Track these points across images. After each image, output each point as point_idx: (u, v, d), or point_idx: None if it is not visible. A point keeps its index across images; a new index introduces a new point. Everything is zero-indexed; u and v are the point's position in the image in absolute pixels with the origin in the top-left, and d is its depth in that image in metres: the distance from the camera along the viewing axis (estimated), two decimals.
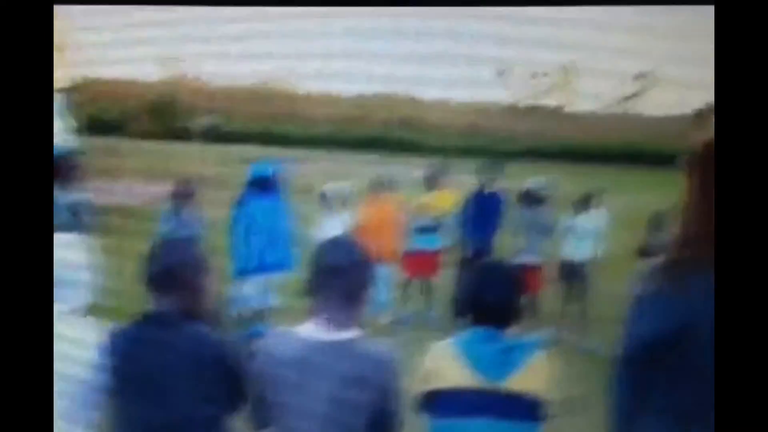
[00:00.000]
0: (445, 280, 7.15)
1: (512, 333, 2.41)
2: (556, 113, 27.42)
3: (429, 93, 26.69)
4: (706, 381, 1.69)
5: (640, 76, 28.11)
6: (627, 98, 28.64)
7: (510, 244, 6.91)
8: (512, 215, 6.96)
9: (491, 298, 2.39)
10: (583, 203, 6.99)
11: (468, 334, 2.39)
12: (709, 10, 1.64)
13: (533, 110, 27.58)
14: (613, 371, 1.91)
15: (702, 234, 1.73)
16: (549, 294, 7.03)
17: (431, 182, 7.43)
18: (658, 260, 1.82)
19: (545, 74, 29.00)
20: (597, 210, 7.04)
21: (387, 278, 7.05)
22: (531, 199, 6.89)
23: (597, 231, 6.95)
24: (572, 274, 6.92)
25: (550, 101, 29.07)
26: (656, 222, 6.11)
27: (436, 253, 7.29)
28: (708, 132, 1.81)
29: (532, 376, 2.32)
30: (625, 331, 1.86)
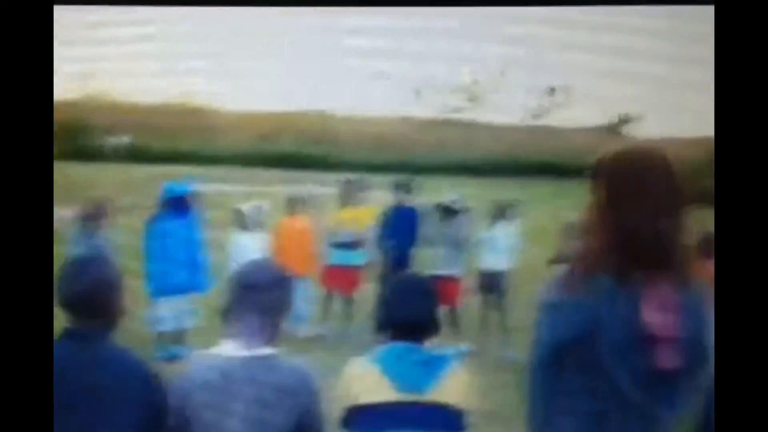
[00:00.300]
0: (366, 295, 7.16)
1: (431, 345, 2.42)
2: (471, 126, 27.82)
3: (343, 108, 26.83)
4: (614, 383, 1.75)
5: (553, 90, 28.85)
6: (541, 111, 29.31)
7: (428, 258, 6.97)
8: (429, 229, 7.02)
9: (408, 311, 2.40)
10: (499, 215, 7.12)
11: (387, 348, 2.39)
12: (708, 10, 1.70)
13: (448, 124, 27.91)
14: (526, 377, 1.94)
15: (605, 243, 1.79)
16: (469, 305, 7.11)
17: (347, 198, 7.42)
18: (564, 269, 1.87)
19: (460, 88, 29.44)
20: (512, 221, 7.18)
21: (307, 294, 7.02)
22: (447, 212, 6.97)
23: (513, 242, 7.09)
24: (490, 284, 7.02)
25: (465, 115, 29.50)
26: (569, 232, 6.26)
27: (355, 268, 7.27)
28: (614, 145, 1.87)
29: (451, 387, 2.33)
30: (534, 338, 1.90)
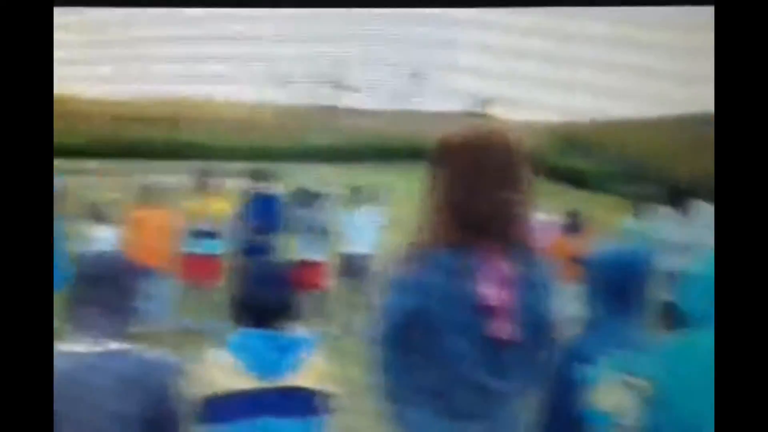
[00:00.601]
0: (228, 285, 7.05)
1: (289, 331, 2.42)
2: (334, 111, 27.85)
3: (201, 93, 26.16)
4: (454, 358, 1.80)
5: (416, 75, 29.28)
6: (404, 96, 29.68)
7: (290, 244, 6.95)
8: (290, 215, 7.00)
9: (261, 297, 2.39)
10: (361, 199, 7.19)
11: (242, 335, 2.37)
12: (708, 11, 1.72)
13: (310, 109, 27.82)
14: (374, 355, 1.98)
15: (442, 218, 1.84)
16: (333, 289, 7.14)
17: (204, 187, 7.28)
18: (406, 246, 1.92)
19: (323, 74, 29.39)
20: (375, 205, 7.26)
21: (165, 286, 6.86)
22: (307, 197, 6.97)
23: (376, 226, 7.16)
24: (354, 268, 7.08)
25: (328, 100, 29.50)
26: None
27: (215, 257, 7.14)
28: (462, 129, 1.92)
29: (309, 370, 2.34)
30: (379, 315, 1.94)
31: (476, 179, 1.82)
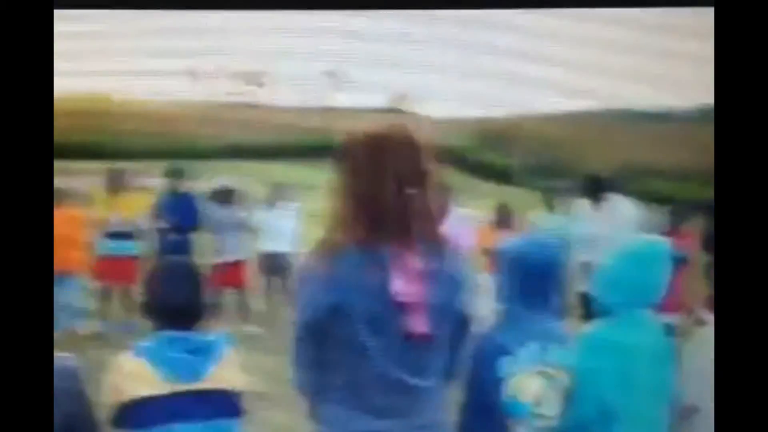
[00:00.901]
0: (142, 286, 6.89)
1: (205, 332, 2.36)
2: (251, 109, 27.56)
3: (118, 89, 25.49)
4: (370, 355, 1.79)
5: (333, 73, 29.22)
6: (322, 93, 29.59)
7: (208, 244, 6.84)
8: (207, 214, 6.87)
9: (176, 299, 2.32)
10: (280, 197, 7.12)
11: (153, 338, 2.30)
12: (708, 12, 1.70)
13: (227, 107, 27.46)
14: (290, 354, 1.95)
15: (351, 216, 1.83)
16: (254, 287, 7.07)
17: (119, 186, 7.05)
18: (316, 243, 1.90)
19: (239, 72, 29.07)
20: (294, 203, 7.20)
21: (81, 289, 6.68)
22: (224, 196, 6.86)
23: (295, 223, 7.10)
24: (274, 266, 7.01)
25: (246, 98, 29.19)
26: None
27: (131, 258, 6.92)
28: (367, 125, 1.90)
29: (225, 372, 2.29)
30: (294, 312, 1.92)
31: (379, 175, 1.81)
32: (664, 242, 2.60)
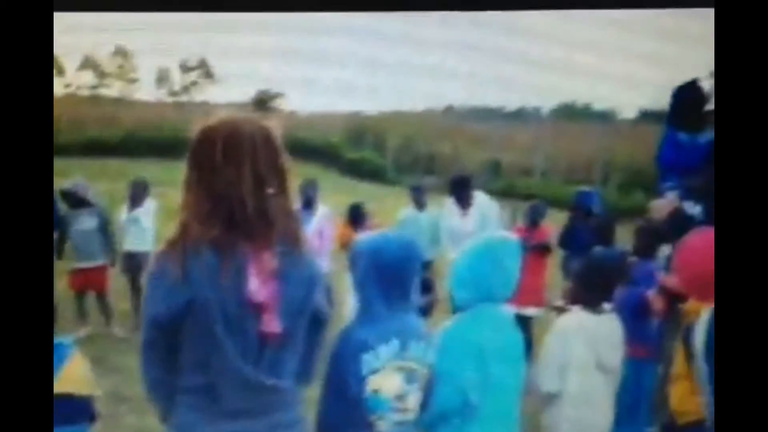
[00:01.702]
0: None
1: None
2: (109, 103, 26.56)
3: None
4: (224, 356, 1.75)
5: (197, 66, 28.61)
6: (184, 88, 28.94)
7: (69, 251, 6.55)
8: (64, 217, 6.47)
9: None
10: (139, 195, 6.86)
11: None
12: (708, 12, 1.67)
13: (84, 101, 26.36)
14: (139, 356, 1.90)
15: (203, 215, 1.77)
16: (114, 290, 6.85)
17: None
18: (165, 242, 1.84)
19: (96, 64, 28.02)
20: (153, 201, 6.95)
21: None
22: (72, 199, 6.46)
23: (154, 221, 6.86)
24: (135, 265, 6.78)
25: (103, 91, 28.17)
26: None
27: None
28: (212, 120, 1.85)
29: (72, 376, 2.21)
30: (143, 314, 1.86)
31: (235, 173, 1.77)
32: (514, 239, 2.69)
